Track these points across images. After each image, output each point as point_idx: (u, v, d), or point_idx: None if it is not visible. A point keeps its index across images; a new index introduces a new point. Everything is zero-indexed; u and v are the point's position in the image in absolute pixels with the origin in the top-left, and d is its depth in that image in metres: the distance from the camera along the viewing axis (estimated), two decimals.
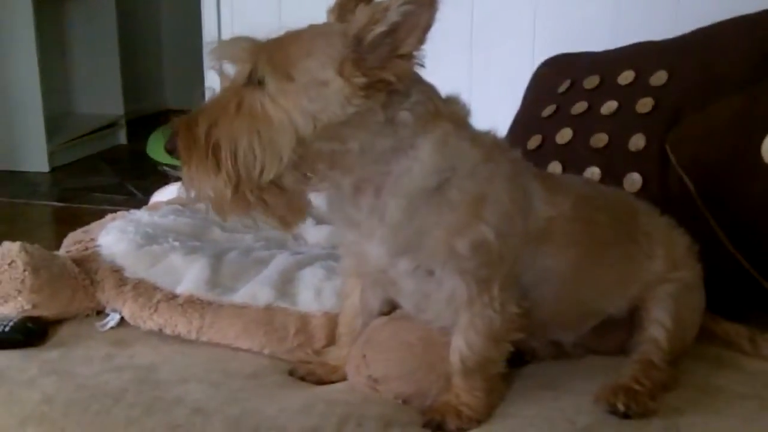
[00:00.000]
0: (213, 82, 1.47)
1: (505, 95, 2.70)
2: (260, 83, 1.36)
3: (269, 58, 1.36)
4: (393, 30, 1.33)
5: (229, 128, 1.35)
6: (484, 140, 1.50)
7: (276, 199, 1.39)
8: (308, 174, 1.41)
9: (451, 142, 1.44)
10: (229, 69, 1.42)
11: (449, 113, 1.46)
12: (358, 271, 1.65)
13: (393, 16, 1.32)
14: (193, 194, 1.40)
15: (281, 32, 1.44)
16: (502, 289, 1.50)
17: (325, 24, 1.45)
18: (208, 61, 1.42)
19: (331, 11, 1.48)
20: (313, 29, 1.42)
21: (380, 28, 1.33)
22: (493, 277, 1.49)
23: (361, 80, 1.34)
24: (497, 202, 1.46)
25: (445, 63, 2.98)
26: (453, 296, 1.50)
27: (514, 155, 1.57)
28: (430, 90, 1.46)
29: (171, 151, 1.39)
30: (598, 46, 2.59)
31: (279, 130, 1.35)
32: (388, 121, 1.39)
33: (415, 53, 1.36)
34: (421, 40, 1.34)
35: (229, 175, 1.35)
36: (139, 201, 2.61)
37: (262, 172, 1.35)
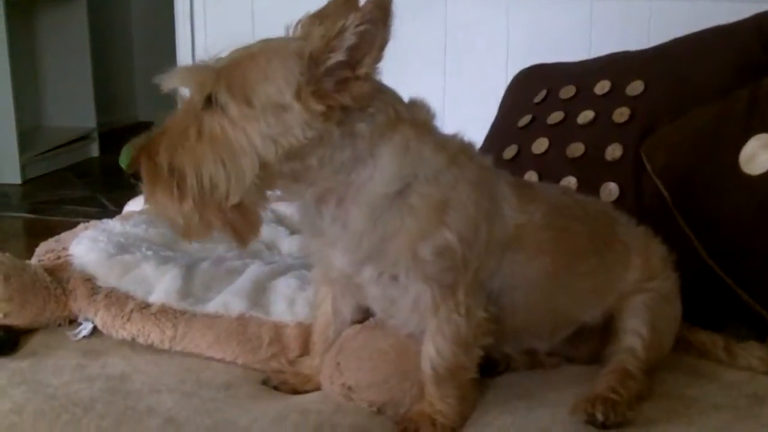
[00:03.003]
0: (185, 95, 1.46)
1: (478, 106, 2.71)
2: (220, 108, 1.36)
3: (228, 83, 1.35)
4: (349, 53, 1.33)
5: (192, 155, 1.35)
6: (449, 145, 1.50)
7: (237, 218, 1.40)
8: (268, 192, 1.43)
9: (412, 147, 1.44)
10: (186, 91, 1.42)
11: (411, 118, 1.46)
12: (328, 279, 1.64)
13: (350, 39, 1.32)
14: (159, 218, 1.41)
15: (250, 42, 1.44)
16: (468, 294, 1.50)
17: (279, 41, 1.43)
18: (165, 85, 1.40)
19: (302, 24, 1.46)
20: (267, 49, 1.41)
21: (338, 56, 1.33)
22: (457, 282, 1.48)
23: (318, 107, 1.35)
24: (461, 208, 1.46)
25: (418, 74, 3.00)
26: (417, 302, 1.50)
27: (482, 161, 1.57)
28: (390, 96, 1.45)
29: (133, 175, 1.39)
30: (572, 57, 2.60)
31: (242, 155, 1.35)
32: (344, 134, 1.39)
33: (371, 73, 1.36)
34: (378, 59, 1.34)
35: (195, 201, 1.36)
36: (111, 213, 2.60)
37: (227, 196, 1.36)
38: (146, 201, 1.40)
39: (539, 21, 2.98)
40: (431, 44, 3.10)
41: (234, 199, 1.37)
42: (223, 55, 1.42)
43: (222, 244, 2.15)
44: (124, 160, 4.78)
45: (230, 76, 1.36)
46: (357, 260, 1.48)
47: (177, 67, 1.41)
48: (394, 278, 1.49)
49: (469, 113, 2.56)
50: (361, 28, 1.31)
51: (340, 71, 1.34)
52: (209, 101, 1.37)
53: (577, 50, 2.64)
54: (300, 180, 1.43)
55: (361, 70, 1.34)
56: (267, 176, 1.38)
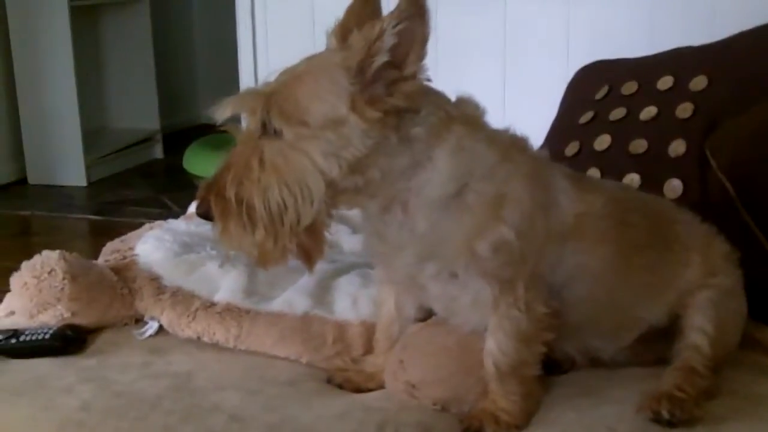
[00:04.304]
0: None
1: (539, 103, 2.69)
2: (276, 133, 1.37)
3: (280, 107, 1.36)
4: (392, 53, 1.33)
5: (258, 185, 1.37)
6: (500, 140, 1.50)
7: (307, 240, 1.41)
8: (334, 209, 1.43)
9: (466, 145, 1.44)
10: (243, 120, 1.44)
11: (461, 116, 1.46)
12: (390, 279, 1.64)
13: (390, 40, 1.33)
14: (233, 252, 1.45)
15: (311, 51, 1.45)
16: (528, 289, 1.49)
17: (322, 57, 1.44)
18: (218, 116, 1.41)
19: (333, 34, 1.47)
20: (312, 66, 1.42)
21: (382, 58, 1.34)
22: (516, 277, 1.48)
23: (375, 115, 1.35)
24: (516, 202, 1.45)
25: (478, 71, 2.99)
26: (477, 298, 1.50)
27: (536, 153, 1.57)
28: (438, 97, 1.46)
29: (203, 216, 1.42)
30: (633, 53, 2.58)
31: (307, 177, 1.36)
32: (401, 140, 1.40)
33: (418, 70, 1.36)
34: (422, 56, 1.35)
35: (267, 229, 1.37)
36: (175, 214, 2.63)
37: (298, 220, 1.37)
38: (220, 237, 1.41)
39: (600, 16, 2.95)
40: (491, 41, 3.08)
41: (306, 221, 1.37)
42: (272, 78, 1.43)
43: None
44: (188, 163, 4.83)
45: (281, 100, 1.37)
46: (419, 260, 1.49)
47: (225, 98, 1.42)
48: (454, 275, 1.49)
49: (529, 110, 2.55)
50: (400, 26, 1.31)
51: (387, 73, 1.35)
52: (265, 128, 1.38)
53: (638, 46, 2.61)
54: (362, 193, 1.43)
55: (408, 69, 1.35)
56: (333, 194, 1.39)
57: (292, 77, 1.41)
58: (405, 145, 1.40)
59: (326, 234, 1.45)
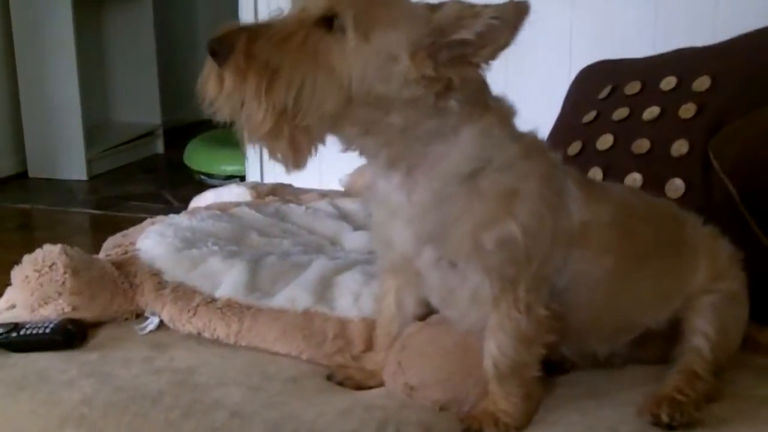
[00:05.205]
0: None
1: (542, 102, 2.68)
2: (339, 32, 1.34)
3: (357, 12, 1.34)
4: (475, 36, 1.34)
5: (291, 61, 1.33)
6: (525, 138, 1.50)
7: (303, 140, 1.37)
8: (332, 131, 1.41)
9: (493, 133, 1.44)
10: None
11: (497, 108, 1.46)
12: (390, 267, 1.64)
13: (479, 26, 1.33)
14: (226, 108, 1.37)
15: None
16: (529, 290, 1.48)
17: (412, 1, 1.43)
18: None
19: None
20: (405, 1, 1.42)
21: (465, 34, 1.34)
22: (519, 277, 1.47)
23: (428, 72, 1.35)
24: (528, 200, 1.45)
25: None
26: (477, 293, 1.48)
27: (552, 157, 1.56)
28: (483, 84, 1.46)
29: (220, 45, 1.35)
30: (636, 53, 2.58)
31: (335, 84, 1.34)
32: (436, 107, 1.40)
33: (482, 65, 1.38)
34: (493, 57, 1.36)
35: (276, 104, 1.33)
36: (176, 209, 2.62)
37: (304, 115, 1.34)
38: (232, 75, 1.33)
39: (603, 16, 2.96)
40: None
41: (304, 121, 1.34)
42: None
43: (287, 239, 2.17)
44: (189, 158, 4.75)
45: (363, 6, 1.36)
46: (418, 238, 1.48)
47: None
48: (453, 265, 1.48)
49: (532, 109, 2.54)
50: (494, 21, 1.32)
51: (460, 48, 1.36)
52: (327, 20, 1.35)
53: (642, 46, 2.62)
54: (371, 134, 1.42)
55: (477, 58, 1.36)
56: (344, 113, 1.37)
57: None
58: (438, 112, 1.40)
59: (309, 151, 1.39)
